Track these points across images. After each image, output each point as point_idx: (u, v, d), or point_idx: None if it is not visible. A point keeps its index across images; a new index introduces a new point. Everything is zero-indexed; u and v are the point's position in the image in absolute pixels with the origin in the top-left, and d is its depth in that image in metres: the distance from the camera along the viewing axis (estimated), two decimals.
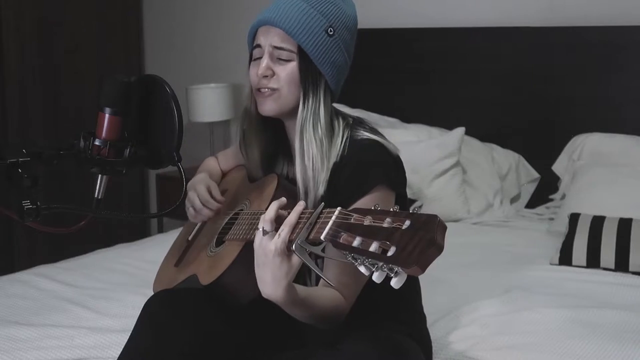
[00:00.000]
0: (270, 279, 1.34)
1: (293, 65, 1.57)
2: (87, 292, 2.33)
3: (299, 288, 1.41)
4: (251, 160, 1.74)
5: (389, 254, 1.07)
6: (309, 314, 1.45)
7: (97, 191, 1.50)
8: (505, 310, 2.09)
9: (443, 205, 3.05)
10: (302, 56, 1.56)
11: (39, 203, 1.32)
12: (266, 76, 1.58)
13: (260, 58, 1.60)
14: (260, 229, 1.35)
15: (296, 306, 1.41)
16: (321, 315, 1.47)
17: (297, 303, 1.40)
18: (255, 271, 1.37)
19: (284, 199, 1.38)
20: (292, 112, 1.61)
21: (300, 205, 1.35)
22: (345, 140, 1.59)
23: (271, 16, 1.57)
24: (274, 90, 1.59)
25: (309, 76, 1.57)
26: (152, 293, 1.69)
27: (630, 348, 1.85)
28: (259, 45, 1.61)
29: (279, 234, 1.32)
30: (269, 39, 1.58)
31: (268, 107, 1.61)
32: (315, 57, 1.56)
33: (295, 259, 1.32)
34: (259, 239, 1.35)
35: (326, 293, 1.49)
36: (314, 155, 1.57)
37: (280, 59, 1.58)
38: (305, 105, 1.58)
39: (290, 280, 1.35)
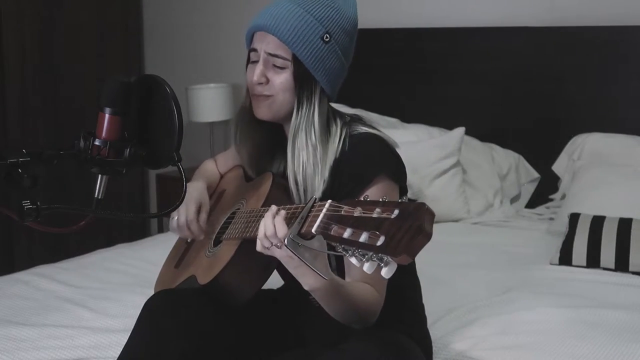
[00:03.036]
0: (309, 271, 1.35)
1: (287, 73, 1.57)
2: (87, 292, 2.33)
3: (336, 277, 1.42)
4: (242, 158, 1.74)
5: (378, 243, 1.08)
6: (349, 306, 1.45)
7: (97, 191, 1.49)
8: (505, 310, 2.09)
9: (443, 205, 3.05)
10: (297, 64, 1.56)
11: (39, 203, 1.32)
12: (261, 83, 1.59)
13: (256, 62, 1.60)
14: (275, 246, 1.35)
15: (337, 296, 1.41)
16: (360, 308, 1.47)
17: (338, 291, 1.41)
18: (293, 274, 1.39)
19: (274, 207, 1.38)
20: (288, 116, 1.61)
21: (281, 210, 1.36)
22: (344, 139, 1.60)
23: (267, 22, 1.56)
24: (268, 96, 1.60)
25: (304, 84, 1.57)
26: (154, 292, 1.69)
27: (631, 348, 1.85)
28: (255, 49, 1.61)
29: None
30: (264, 45, 1.58)
31: (262, 113, 1.62)
32: (310, 65, 1.55)
33: (321, 241, 1.31)
34: (279, 254, 1.36)
35: (361, 285, 1.49)
36: (304, 162, 1.57)
37: (275, 66, 1.58)
38: (299, 113, 1.58)
39: (327, 263, 1.35)
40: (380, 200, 1.15)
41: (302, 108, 1.58)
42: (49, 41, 3.97)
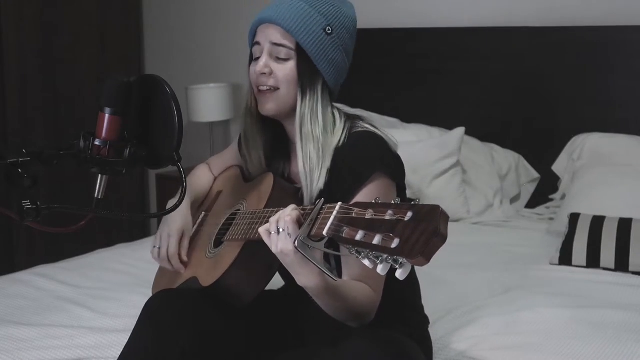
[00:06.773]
0: (302, 270, 1.37)
1: (291, 64, 1.59)
2: (87, 292, 2.33)
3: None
4: (254, 159, 1.74)
5: (393, 245, 1.08)
6: (342, 305, 1.46)
7: (97, 191, 1.49)
8: (505, 310, 2.09)
9: (443, 205, 3.02)
10: (301, 54, 1.58)
11: (39, 203, 1.32)
12: (264, 74, 1.60)
13: (259, 57, 1.62)
14: (274, 232, 1.36)
15: (330, 294, 1.42)
16: (354, 308, 1.48)
17: (331, 291, 1.41)
18: (288, 269, 1.39)
19: (293, 206, 1.38)
20: (291, 112, 1.62)
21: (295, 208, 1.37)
22: (345, 132, 1.61)
23: (271, 14, 1.59)
24: (273, 89, 1.60)
25: (307, 74, 1.59)
26: (152, 294, 1.69)
27: (631, 348, 1.85)
28: (258, 43, 1.63)
29: (289, 234, 1.33)
30: (268, 36, 1.60)
31: (268, 107, 1.63)
32: (314, 54, 1.57)
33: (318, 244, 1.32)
34: (275, 246, 1.36)
35: (356, 284, 1.49)
36: (310, 151, 1.58)
37: (279, 58, 1.60)
38: (303, 102, 1.60)
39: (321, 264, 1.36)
40: (392, 202, 1.15)
41: (305, 98, 1.60)
42: (49, 41, 3.97)
